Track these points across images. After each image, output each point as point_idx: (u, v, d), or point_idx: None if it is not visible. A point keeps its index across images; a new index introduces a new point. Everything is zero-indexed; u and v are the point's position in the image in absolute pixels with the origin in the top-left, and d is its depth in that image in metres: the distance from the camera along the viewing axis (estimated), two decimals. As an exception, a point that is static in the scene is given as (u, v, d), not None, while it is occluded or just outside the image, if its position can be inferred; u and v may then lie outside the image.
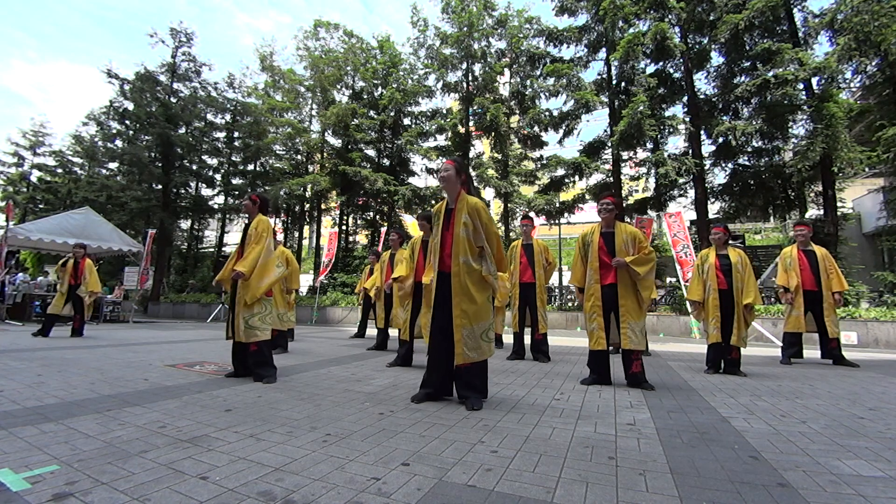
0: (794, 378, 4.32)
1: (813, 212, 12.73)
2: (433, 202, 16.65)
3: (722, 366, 4.53)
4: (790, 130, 12.41)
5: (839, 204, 11.51)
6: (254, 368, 3.60)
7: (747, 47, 12.32)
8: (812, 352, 5.98)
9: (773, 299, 10.44)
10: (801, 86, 11.41)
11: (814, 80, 11.31)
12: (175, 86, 19.59)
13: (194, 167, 20.15)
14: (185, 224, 23.20)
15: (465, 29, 16.16)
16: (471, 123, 17.25)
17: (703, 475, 1.71)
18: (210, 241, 25.55)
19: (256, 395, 3.02)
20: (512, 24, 16.38)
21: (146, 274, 13.23)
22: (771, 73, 11.25)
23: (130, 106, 18.97)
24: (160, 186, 18.82)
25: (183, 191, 20.54)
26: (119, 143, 20.00)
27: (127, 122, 19.48)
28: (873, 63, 10.87)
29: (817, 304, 5.38)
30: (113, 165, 21.44)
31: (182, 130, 19.55)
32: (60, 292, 7.38)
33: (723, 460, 1.89)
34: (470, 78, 17.19)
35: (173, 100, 19.20)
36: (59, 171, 25.21)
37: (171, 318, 16.09)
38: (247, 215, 3.91)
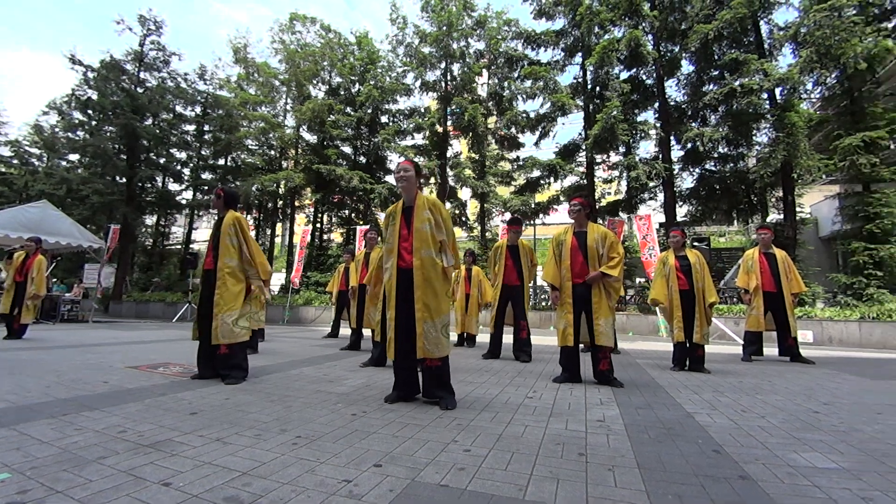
0: (754, 375, 4.50)
1: (774, 216, 13.34)
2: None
3: (687, 363, 4.69)
4: (754, 138, 12.97)
5: (798, 209, 12.11)
6: (222, 370, 3.50)
7: (716, 57, 12.79)
8: (772, 349, 6.25)
9: (735, 299, 10.87)
10: (765, 95, 11.92)
11: (777, 91, 11.84)
12: (142, 75, 18.87)
13: (161, 160, 19.44)
14: (150, 220, 22.34)
15: (445, 28, 16.16)
16: (449, 123, 17.27)
17: (668, 469, 1.76)
18: (177, 237, 24.69)
19: (224, 398, 2.93)
20: (491, 25, 16.48)
21: (99, 271, 12.67)
22: (737, 83, 11.71)
23: (94, 95, 18.14)
24: (124, 180, 18.07)
25: (149, 185, 19.77)
26: (81, 133, 19.10)
27: (90, 111, 18.61)
28: (832, 75, 11.45)
29: (777, 304, 5.64)
30: (74, 157, 20.44)
31: (149, 122, 18.83)
32: (6, 290, 6.81)
33: (687, 455, 1.95)
34: (448, 77, 17.20)
35: (140, 90, 18.48)
36: (15, 162, 23.81)
37: (133, 318, 15.46)
38: (216, 211, 3.81)
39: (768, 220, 13.06)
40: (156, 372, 3.90)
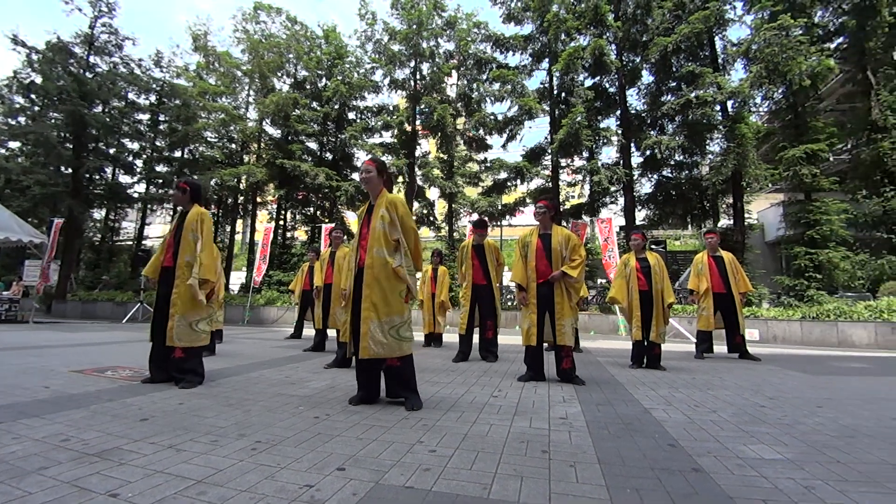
0: (706, 371, 4.74)
1: (724, 221, 14.11)
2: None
3: (645, 361, 4.88)
4: (707, 147, 13.67)
5: (746, 215, 12.87)
6: (175, 374, 3.33)
7: (674, 69, 13.39)
8: (722, 347, 6.58)
9: (689, 299, 11.42)
10: (718, 107, 12.57)
11: (729, 103, 12.52)
12: (92, 59, 17.73)
13: (111, 151, 18.33)
14: (98, 214, 21.00)
15: (415, 27, 16.08)
16: (417, 122, 17.21)
17: (627, 464, 1.83)
18: (128, 232, 23.33)
19: (177, 403, 2.80)
20: (461, 26, 16.51)
21: (47, 267, 11.83)
22: (693, 94, 12.29)
23: (38, 79, 16.89)
24: (70, 170, 16.90)
25: (97, 176, 18.60)
26: (22, 119, 17.72)
27: (33, 96, 17.29)
28: (779, 91, 12.25)
29: (726, 304, 5.96)
30: (14, 145, 18.94)
31: (98, 109, 17.69)
32: None
33: (645, 449, 2.03)
34: (418, 76, 17.13)
35: (89, 75, 17.34)
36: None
37: (79, 319, 14.51)
38: (178, 206, 3.60)
39: (719, 225, 13.81)
40: (103, 376, 3.67)
